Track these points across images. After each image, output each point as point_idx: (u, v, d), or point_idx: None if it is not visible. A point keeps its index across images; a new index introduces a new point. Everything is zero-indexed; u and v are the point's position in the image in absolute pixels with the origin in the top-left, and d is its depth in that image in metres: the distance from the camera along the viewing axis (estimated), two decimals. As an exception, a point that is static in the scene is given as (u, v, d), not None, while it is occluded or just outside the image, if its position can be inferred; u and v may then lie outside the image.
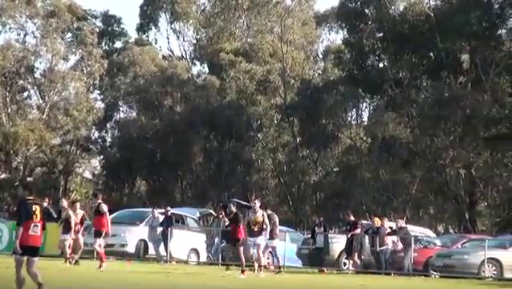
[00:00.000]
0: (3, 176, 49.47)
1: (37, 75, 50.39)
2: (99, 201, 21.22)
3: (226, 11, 51.69)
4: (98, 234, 20.70)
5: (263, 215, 19.44)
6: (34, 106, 51.77)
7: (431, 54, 40.57)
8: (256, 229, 19.02)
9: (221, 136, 48.63)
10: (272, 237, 19.92)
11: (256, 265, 19.58)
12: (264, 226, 19.23)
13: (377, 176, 42.50)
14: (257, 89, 47.62)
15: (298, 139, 48.52)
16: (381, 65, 42.51)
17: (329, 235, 25.75)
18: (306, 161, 48.89)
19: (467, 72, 40.22)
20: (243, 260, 18.62)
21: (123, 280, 16.79)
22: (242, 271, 18.44)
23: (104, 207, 20.69)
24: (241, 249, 18.97)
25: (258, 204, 19.51)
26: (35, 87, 50.64)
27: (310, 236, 26.04)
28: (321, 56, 53.33)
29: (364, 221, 26.80)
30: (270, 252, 26.58)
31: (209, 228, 29.41)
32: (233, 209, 21.11)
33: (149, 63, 50.97)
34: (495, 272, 22.78)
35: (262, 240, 19.46)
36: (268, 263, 26.80)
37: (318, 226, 25.60)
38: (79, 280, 16.33)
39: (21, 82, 50.10)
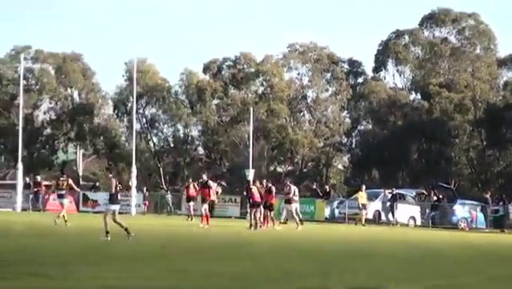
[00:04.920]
0: (289, 168, 61.84)
1: (309, 100, 63.51)
2: (206, 178, 26.19)
3: (434, 57, 62.74)
4: (204, 201, 26.06)
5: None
6: (307, 121, 64.02)
7: None
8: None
9: (430, 141, 59.48)
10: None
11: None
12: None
13: None
14: (455, 110, 58.57)
15: (484, 142, 59.03)
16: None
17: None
18: (491, 158, 60.05)
19: None
20: (256, 219, 24.12)
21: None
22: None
23: (211, 183, 25.53)
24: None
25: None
26: (307, 109, 63.52)
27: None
28: (501, 87, 62.43)
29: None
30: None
31: (422, 203, 36.31)
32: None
33: (380, 93, 61.77)
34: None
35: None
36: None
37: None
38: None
39: (299, 106, 63.00)
